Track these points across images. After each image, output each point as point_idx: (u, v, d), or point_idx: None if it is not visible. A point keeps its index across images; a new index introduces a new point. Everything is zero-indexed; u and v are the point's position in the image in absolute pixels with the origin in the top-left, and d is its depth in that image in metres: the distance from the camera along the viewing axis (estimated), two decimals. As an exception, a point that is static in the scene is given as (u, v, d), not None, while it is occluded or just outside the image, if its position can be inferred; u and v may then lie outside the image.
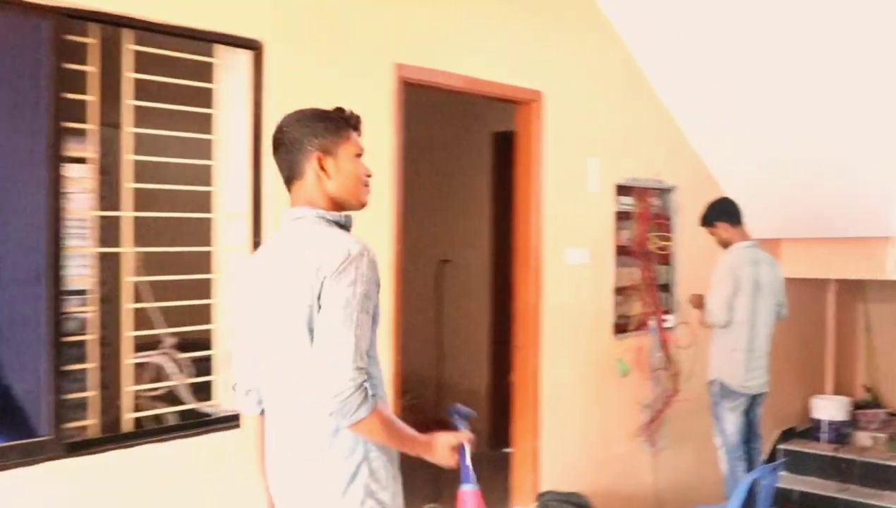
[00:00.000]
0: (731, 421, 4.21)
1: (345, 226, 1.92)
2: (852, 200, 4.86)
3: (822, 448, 5.81)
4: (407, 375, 4.06)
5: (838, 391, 6.55)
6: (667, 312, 4.84)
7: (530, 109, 4.05)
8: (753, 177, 5.06)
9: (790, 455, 5.77)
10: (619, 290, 4.57)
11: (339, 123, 1.92)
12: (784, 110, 4.59)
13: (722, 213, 4.27)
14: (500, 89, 3.88)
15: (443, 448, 1.93)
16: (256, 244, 2.87)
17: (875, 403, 6.54)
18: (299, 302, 1.79)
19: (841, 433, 5.94)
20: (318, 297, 1.77)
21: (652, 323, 4.74)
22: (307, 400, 1.82)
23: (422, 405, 5.80)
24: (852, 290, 6.73)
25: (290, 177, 1.93)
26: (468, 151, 5.92)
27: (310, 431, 1.83)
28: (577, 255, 4.29)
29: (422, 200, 5.85)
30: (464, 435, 1.98)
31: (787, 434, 6.06)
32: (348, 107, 1.95)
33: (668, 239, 4.86)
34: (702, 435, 4.60)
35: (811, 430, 6.07)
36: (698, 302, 4.33)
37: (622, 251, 4.61)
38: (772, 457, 5.68)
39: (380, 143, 3.31)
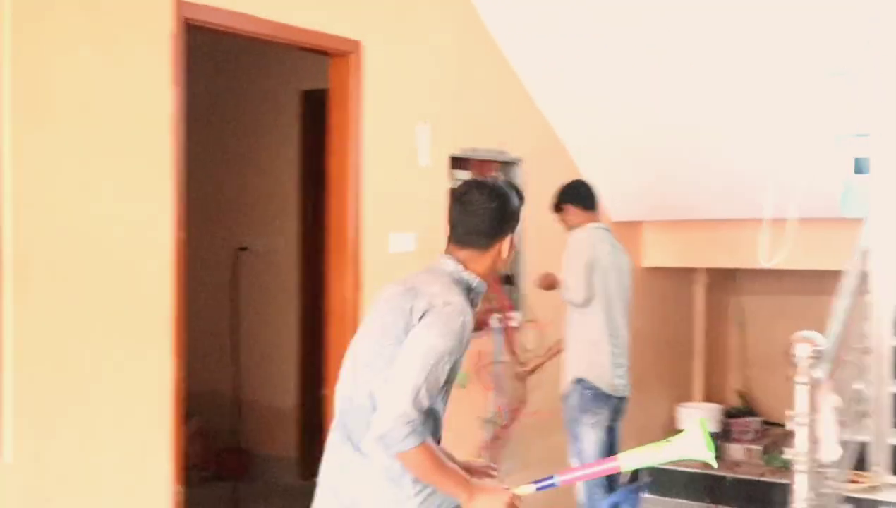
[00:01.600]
0: (592, 440, 4.50)
1: (472, 290, 2.60)
2: (720, 179, 5.36)
3: (690, 465, 6.36)
4: (194, 393, 4.08)
5: (708, 397, 7.17)
6: (512, 309, 5.07)
7: (347, 63, 4.17)
8: (611, 151, 5.47)
9: (654, 475, 6.28)
10: None
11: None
12: (647, 79, 5.00)
13: (574, 197, 4.60)
14: (309, 37, 3.97)
15: (484, 505, 2.44)
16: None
17: (748, 411, 7.18)
18: (384, 348, 2.47)
19: (711, 446, 6.52)
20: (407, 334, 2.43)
21: (494, 322, 4.96)
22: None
23: (213, 429, 5.83)
24: (723, 281, 7.33)
25: (468, 240, 2.59)
26: (271, 114, 5.95)
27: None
28: (403, 242, 4.45)
29: (211, 174, 5.85)
30: (510, 496, 2.45)
31: (652, 450, 6.60)
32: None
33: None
34: (555, 456, 4.77)
35: (679, 444, 6.64)
36: (549, 282, 4.63)
37: None
38: (633, 477, 6.16)
39: (154, 101, 3.34)
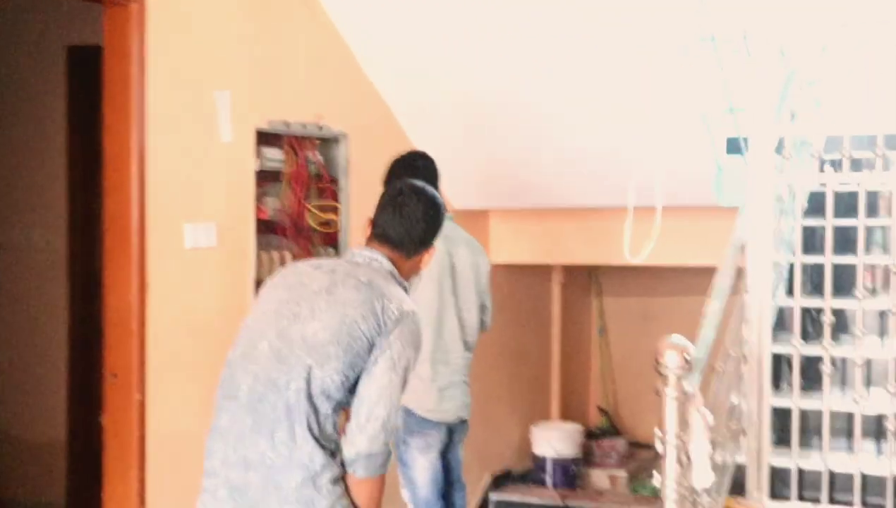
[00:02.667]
0: (423, 467, 4.53)
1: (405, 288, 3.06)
2: (577, 162, 5.48)
3: (547, 496, 6.51)
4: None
5: (567, 416, 7.35)
6: None
7: (126, 13, 4.10)
8: (451, 128, 5.51)
9: (502, 508, 6.42)
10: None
11: None
12: (493, 47, 5.06)
13: (409, 172, 4.48)
14: (77, -20, 3.92)
15: None
16: None
17: (613, 430, 7.44)
18: (354, 341, 2.82)
19: (570, 473, 6.69)
20: (371, 349, 2.83)
21: None
22: (311, 423, 2.80)
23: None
24: (583, 280, 7.55)
25: (399, 244, 3.06)
26: (27, 76, 5.83)
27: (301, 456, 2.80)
28: (200, 234, 4.40)
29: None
30: None
31: (502, 480, 6.71)
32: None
33: (334, 209, 5.15)
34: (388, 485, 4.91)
35: (533, 472, 6.76)
36: None
37: (267, 228, 4.79)
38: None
39: None
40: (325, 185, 5.11)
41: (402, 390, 2.88)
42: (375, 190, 4.64)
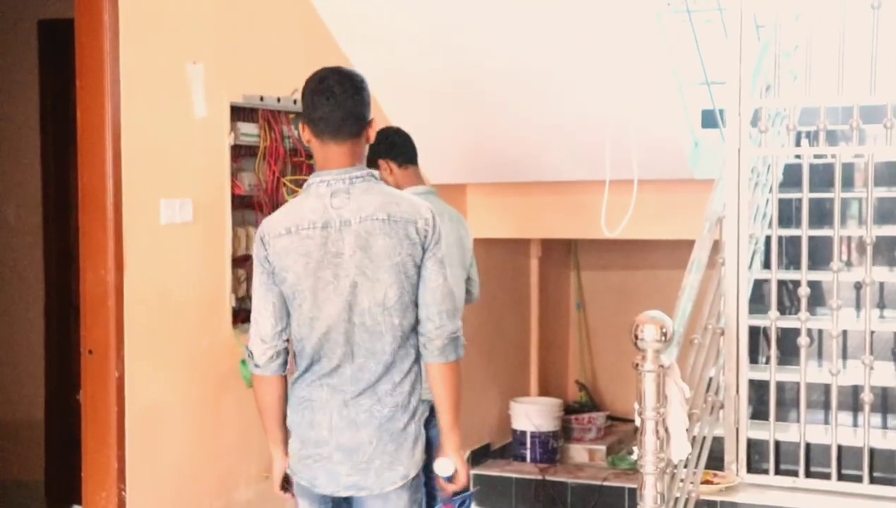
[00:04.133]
0: None
1: None
2: (554, 134, 5.47)
3: (527, 471, 6.53)
4: None
5: (546, 391, 7.40)
6: None
7: (98, -13, 4.10)
8: (427, 101, 5.51)
9: (484, 483, 6.41)
10: (241, 261, 4.68)
11: None
12: (466, 13, 5.04)
13: (388, 149, 4.61)
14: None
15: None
16: None
17: (592, 405, 7.47)
18: (401, 255, 3.13)
19: (549, 447, 6.73)
20: (422, 251, 3.17)
21: None
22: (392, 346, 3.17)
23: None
24: (561, 255, 7.55)
25: (343, 129, 3.18)
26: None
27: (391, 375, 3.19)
28: (176, 210, 4.39)
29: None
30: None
31: (481, 454, 6.74)
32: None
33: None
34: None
35: (512, 446, 6.81)
36: None
37: (243, 203, 4.77)
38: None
39: None
40: (301, 160, 5.09)
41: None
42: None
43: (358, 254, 3.12)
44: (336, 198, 3.15)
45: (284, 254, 3.16)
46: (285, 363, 3.26)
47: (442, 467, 3.30)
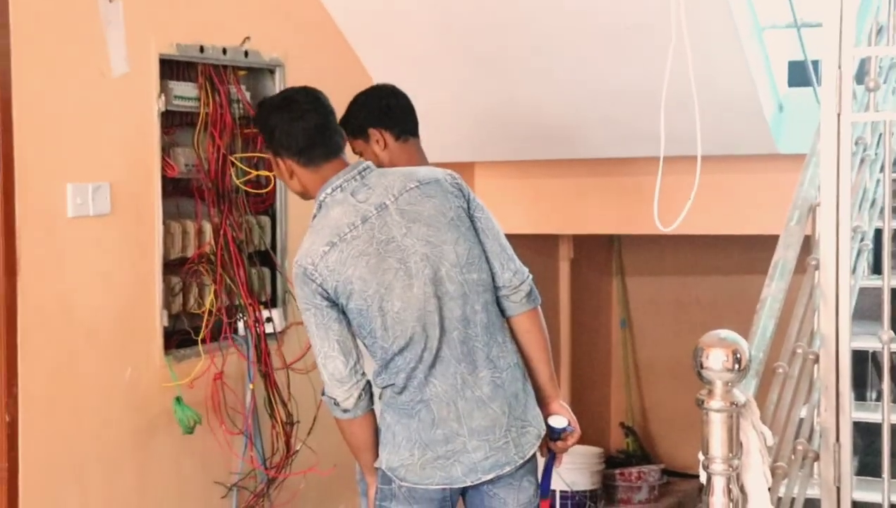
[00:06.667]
0: None
1: None
2: (588, 99, 5.45)
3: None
4: None
5: (581, 437, 7.22)
6: (267, 305, 5.06)
7: None
8: (423, 54, 5.48)
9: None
10: (175, 265, 4.71)
11: None
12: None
13: (381, 114, 4.45)
14: None
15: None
16: None
17: (640, 455, 7.43)
18: (453, 208, 3.68)
19: (586, 512, 6.68)
20: (466, 201, 3.73)
21: (242, 326, 4.95)
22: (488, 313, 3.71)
23: None
24: (600, 256, 7.53)
25: (332, 145, 3.75)
26: None
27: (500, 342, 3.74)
28: (88, 198, 4.37)
29: None
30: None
31: (496, 520, 6.66)
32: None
33: (267, 163, 4.99)
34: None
35: (537, 510, 6.75)
36: None
37: (178, 189, 4.79)
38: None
39: None
40: (254, 132, 4.94)
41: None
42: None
43: (413, 228, 3.61)
44: (358, 194, 3.63)
45: (340, 266, 3.58)
46: (371, 396, 3.70)
47: (557, 420, 3.81)
